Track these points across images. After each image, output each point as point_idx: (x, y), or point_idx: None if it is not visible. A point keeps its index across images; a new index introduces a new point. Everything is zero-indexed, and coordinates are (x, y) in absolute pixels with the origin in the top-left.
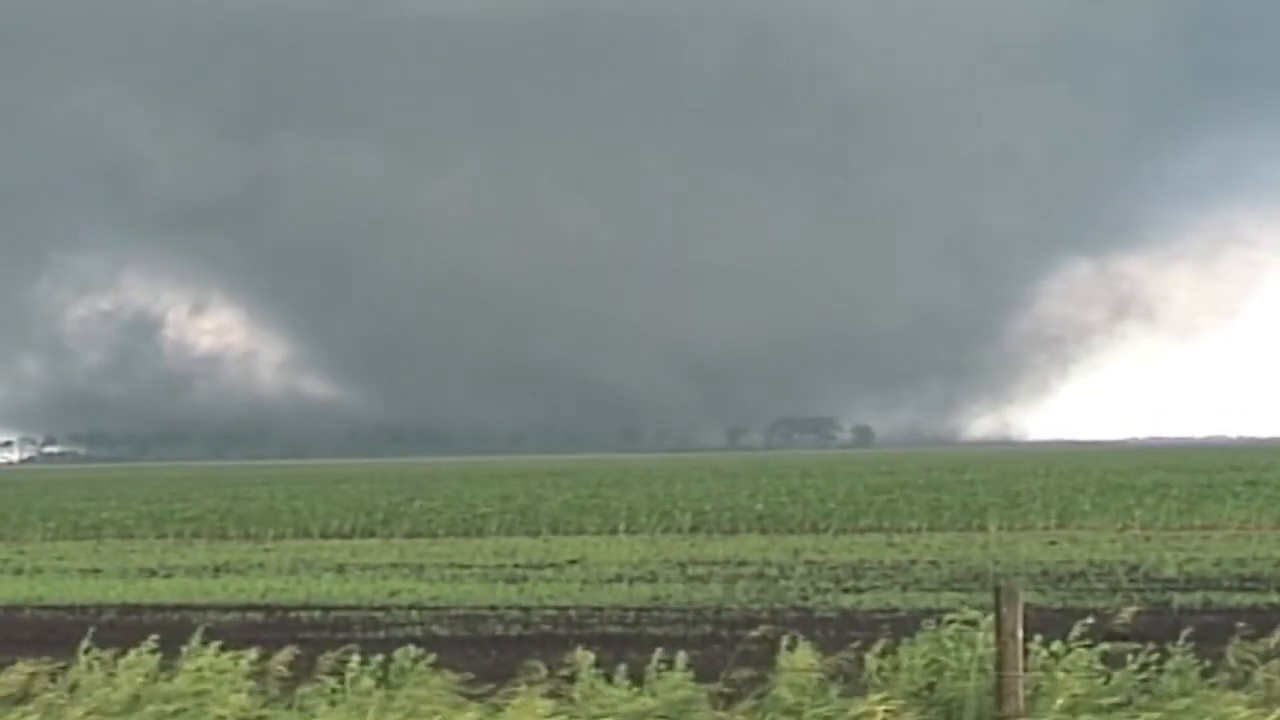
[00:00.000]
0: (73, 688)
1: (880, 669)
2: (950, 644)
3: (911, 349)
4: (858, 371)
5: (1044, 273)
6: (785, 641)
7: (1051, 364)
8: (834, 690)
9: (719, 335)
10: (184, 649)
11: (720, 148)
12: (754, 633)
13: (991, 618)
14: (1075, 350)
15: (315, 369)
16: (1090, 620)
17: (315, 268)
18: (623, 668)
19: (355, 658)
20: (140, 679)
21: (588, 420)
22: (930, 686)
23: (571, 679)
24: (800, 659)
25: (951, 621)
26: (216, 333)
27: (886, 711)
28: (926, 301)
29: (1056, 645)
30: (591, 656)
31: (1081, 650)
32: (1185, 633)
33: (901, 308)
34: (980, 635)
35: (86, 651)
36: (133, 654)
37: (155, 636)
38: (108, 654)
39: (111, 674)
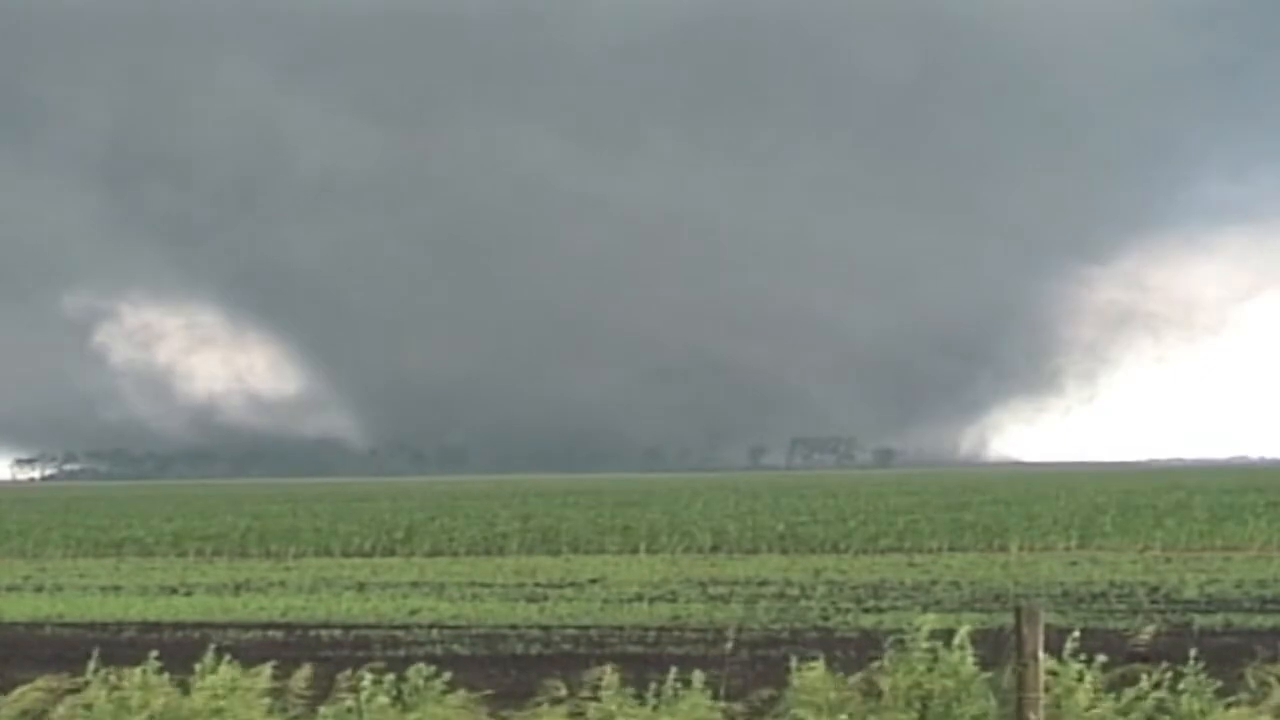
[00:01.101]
0: (89, 705)
1: (894, 688)
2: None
3: (928, 366)
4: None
5: (1079, 289)
6: (795, 661)
7: (1076, 384)
8: (850, 709)
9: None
10: (197, 666)
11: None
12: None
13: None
14: (1099, 370)
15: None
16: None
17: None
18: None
19: (368, 676)
20: (157, 698)
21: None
22: (944, 706)
23: (594, 697)
24: (817, 678)
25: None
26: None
27: None
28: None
29: (1076, 666)
30: (615, 676)
31: (1100, 671)
32: (1198, 652)
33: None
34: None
35: (100, 670)
36: (148, 671)
37: (167, 655)
38: (125, 671)
39: (128, 692)
